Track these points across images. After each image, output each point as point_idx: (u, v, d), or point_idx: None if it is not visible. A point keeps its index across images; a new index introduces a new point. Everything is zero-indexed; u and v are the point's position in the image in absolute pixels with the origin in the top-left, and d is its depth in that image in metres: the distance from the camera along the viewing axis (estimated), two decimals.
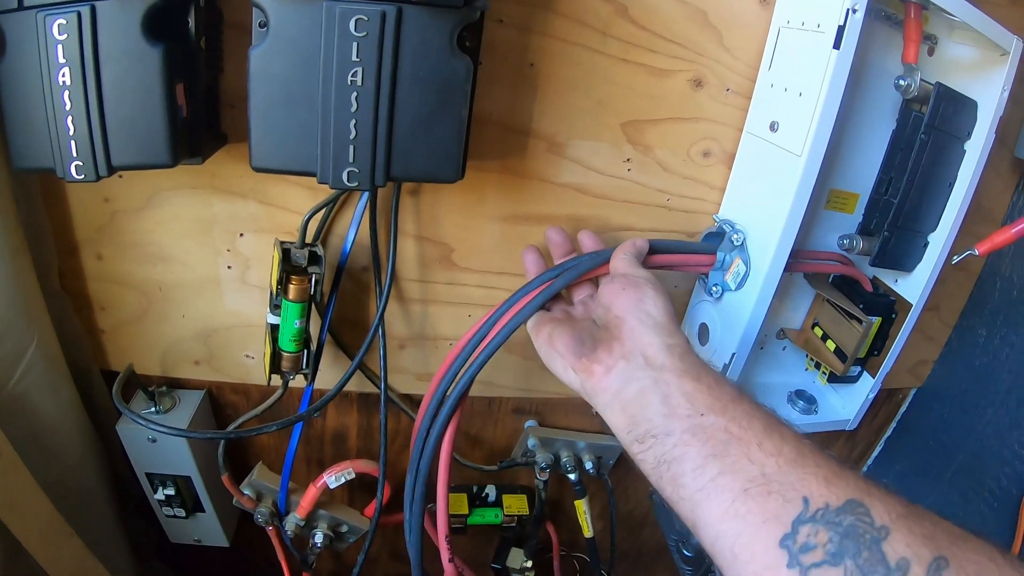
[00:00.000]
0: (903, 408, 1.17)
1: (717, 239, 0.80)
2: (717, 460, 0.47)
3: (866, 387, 0.91)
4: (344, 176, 0.59)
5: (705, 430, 0.48)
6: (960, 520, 1.00)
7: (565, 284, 0.67)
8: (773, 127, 0.73)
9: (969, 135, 0.77)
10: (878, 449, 1.21)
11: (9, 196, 0.70)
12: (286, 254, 0.71)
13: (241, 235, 0.79)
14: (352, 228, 0.75)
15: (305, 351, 0.78)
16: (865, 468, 1.23)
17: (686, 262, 0.77)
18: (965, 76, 0.76)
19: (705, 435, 0.48)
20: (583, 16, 0.71)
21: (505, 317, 0.67)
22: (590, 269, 0.69)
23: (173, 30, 0.59)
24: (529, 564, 1.04)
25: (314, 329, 0.80)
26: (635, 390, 0.53)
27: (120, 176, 0.74)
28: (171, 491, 0.90)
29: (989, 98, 0.74)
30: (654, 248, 0.72)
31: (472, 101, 0.61)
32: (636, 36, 0.73)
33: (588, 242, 0.74)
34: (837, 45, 0.64)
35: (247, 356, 0.88)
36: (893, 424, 1.19)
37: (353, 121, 0.57)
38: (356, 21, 0.54)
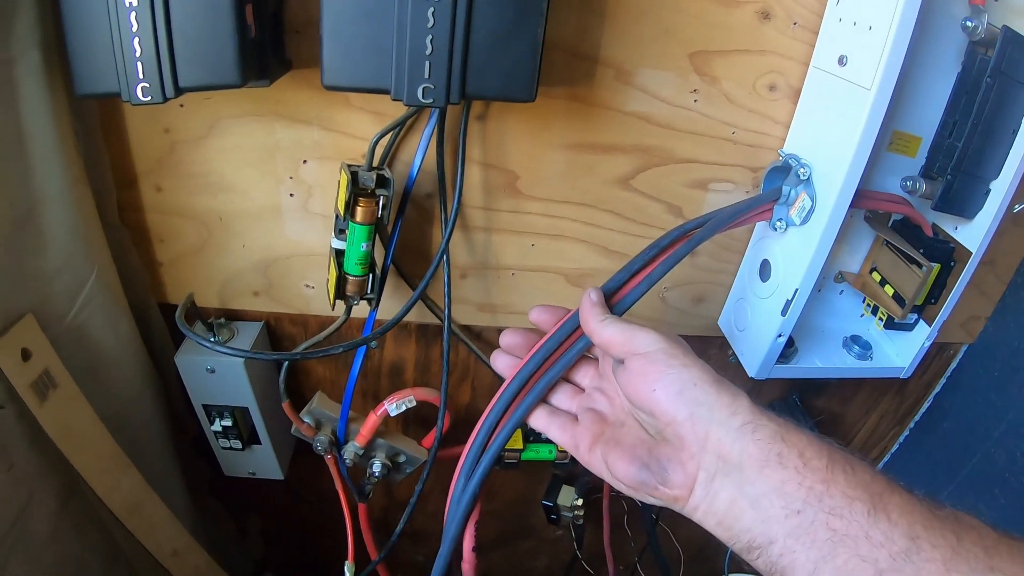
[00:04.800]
0: (953, 364, 1.16)
1: (782, 174, 0.79)
2: (827, 564, 0.42)
3: (922, 335, 0.90)
4: (419, 92, 0.59)
5: (806, 531, 0.44)
6: (1007, 480, 0.98)
7: (553, 379, 0.61)
8: (842, 61, 0.72)
9: None
10: (927, 404, 1.20)
11: (69, 127, 0.70)
12: (354, 177, 0.71)
13: (304, 162, 0.79)
14: (419, 152, 0.75)
15: (370, 276, 0.78)
16: (913, 423, 1.22)
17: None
18: None
19: (808, 537, 0.43)
20: None
21: (503, 421, 0.61)
22: (577, 353, 0.61)
23: None
24: (579, 502, 1.05)
25: (377, 258, 0.80)
26: (724, 501, 0.47)
27: (181, 105, 0.75)
28: (228, 423, 0.92)
29: None
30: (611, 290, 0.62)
31: (546, 20, 0.60)
32: None
33: (544, 317, 0.64)
34: None
35: (307, 286, 0.89)
36: (943, 380, 1.17)
37: (430, 37, 0.57)
38: None
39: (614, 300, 0.62)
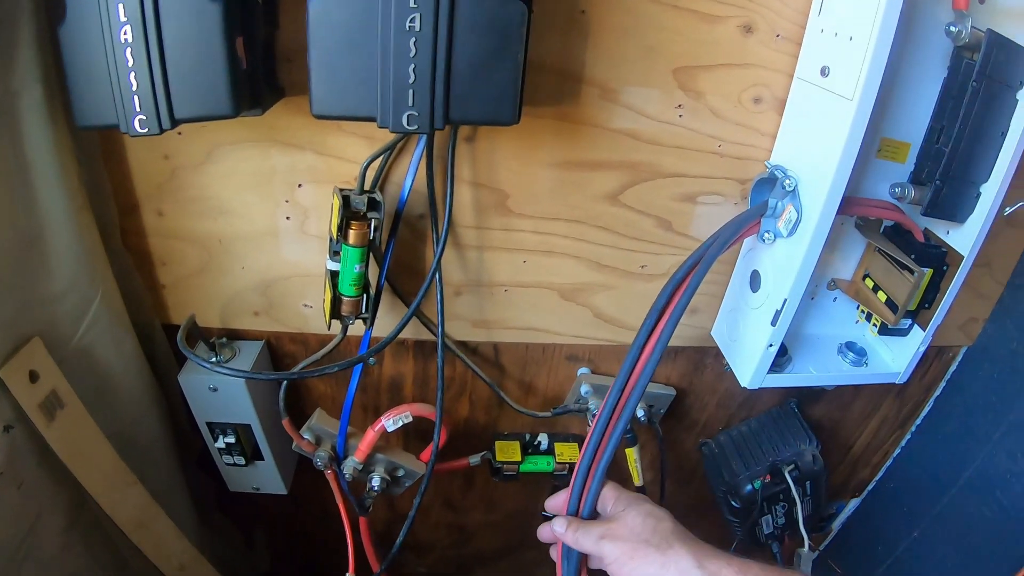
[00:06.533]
0: (953, 367, 1.16)
1: (769, 185, 0.80)
2: None
3: (916, 340, 0.90)
4: (404, 120, 0.61)
5: None
6: (1009, 481, 0.99)
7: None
8: (824, 72, 0.73)
9: (1021, 84, 0.75)
10: (927, 408, 1.20)
11: (71, 157, 0.72)
12: (346, 200, 0.73)
13: (300, 186, 0.81)
14: (409, 175, 0.76)
15: (364, 296, 0.80)
16: (914, 427, 1.23)
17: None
18: (1017, 23, 0.74)
19: None
20: None
21: None
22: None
23: None
24: None
25: (372, 277, 0.82)
26: None
27: (179, 133, 0.76)
28: (231, 439, 0.94)
29: None
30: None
31: (527, 46, 0.61)
32: None
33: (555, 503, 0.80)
34: None
35: (305, 305, 0.90)
36: (943, 383, 1.18)
37: (412, 66, 0.59)
38: None
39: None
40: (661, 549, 0.64)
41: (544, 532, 0.76)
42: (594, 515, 0.74)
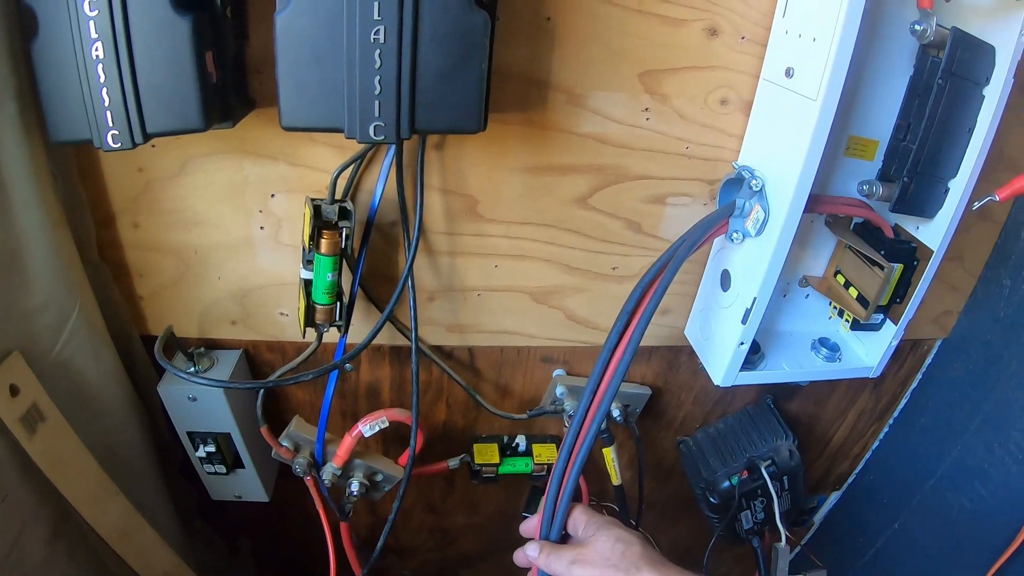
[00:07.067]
0: (928, 360, 1.17)
1: (736, 186, 0.81)
2: None
3: (889, 334, 0.91)
4: (371, 130, 0.61)
5: None
6: (987, 471, 1.01)
7: None
8: (788, 73, 0.74)
9: (987, 80, 0.76)
10: (904, 401, 1.21)
11: (47, 171, 0.73)
12: (317, 210, 0.74)
13: (272, 196, 0.81)
14: (380, 183, 0.77)
15: (338, 304, 0.81)
16: (892, 420, 1.24)
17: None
18: (982, 21, 0.75)
19: None
20: None
21: None
22: None
23: (200, 1, 0.60)
24: None
25: (346, 284, 0.83)
26: None
27: (153, 146, 0.77)
28: (211, 448, 0.94)
29: (1007, 43, 0.73)
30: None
31: (491, 54, 0.62)
32: None
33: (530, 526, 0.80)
34: None
35: (281, 314, 0.91)
36: (919, 376, 1.19)
37: (377, 77, 0.59)
38: None
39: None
40: (630, 574, 0.65)
41: (519, 557, 0.77)
42: (566, 537, 0.75)
